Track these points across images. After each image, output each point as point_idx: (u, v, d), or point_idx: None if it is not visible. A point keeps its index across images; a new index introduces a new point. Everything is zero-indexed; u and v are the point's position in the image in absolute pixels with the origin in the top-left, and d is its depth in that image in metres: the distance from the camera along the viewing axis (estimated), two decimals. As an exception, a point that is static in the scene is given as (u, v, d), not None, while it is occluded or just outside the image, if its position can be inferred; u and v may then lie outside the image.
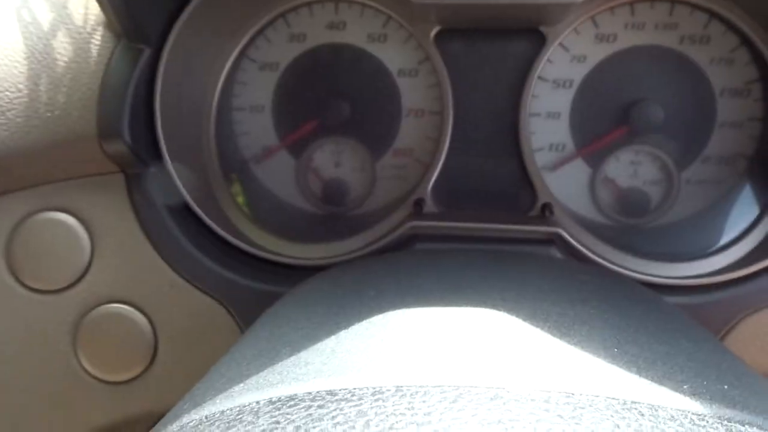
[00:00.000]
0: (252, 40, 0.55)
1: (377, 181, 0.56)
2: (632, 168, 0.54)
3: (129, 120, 0.44)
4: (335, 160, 0.57)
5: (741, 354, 0.44)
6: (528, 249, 0.44)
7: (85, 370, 0.46)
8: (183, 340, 0.46)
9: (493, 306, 0.25)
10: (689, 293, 0.44)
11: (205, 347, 0.45)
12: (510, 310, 0.25)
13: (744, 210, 0.51)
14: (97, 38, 0.45)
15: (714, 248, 0.47)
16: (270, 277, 0.47)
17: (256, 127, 0.57)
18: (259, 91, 0.57)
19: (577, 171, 0.54)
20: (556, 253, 0.44)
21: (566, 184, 0.54)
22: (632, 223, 0.54)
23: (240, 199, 0.56)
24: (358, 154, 0.56)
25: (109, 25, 0.45)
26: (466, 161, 0.52)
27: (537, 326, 0.24)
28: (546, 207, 0.48)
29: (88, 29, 0.45)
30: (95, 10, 0.45)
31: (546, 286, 0.32)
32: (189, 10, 0.45)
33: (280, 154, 0.57)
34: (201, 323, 0.45)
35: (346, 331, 0.24)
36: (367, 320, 0.25)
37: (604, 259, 0.44)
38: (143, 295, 0.46)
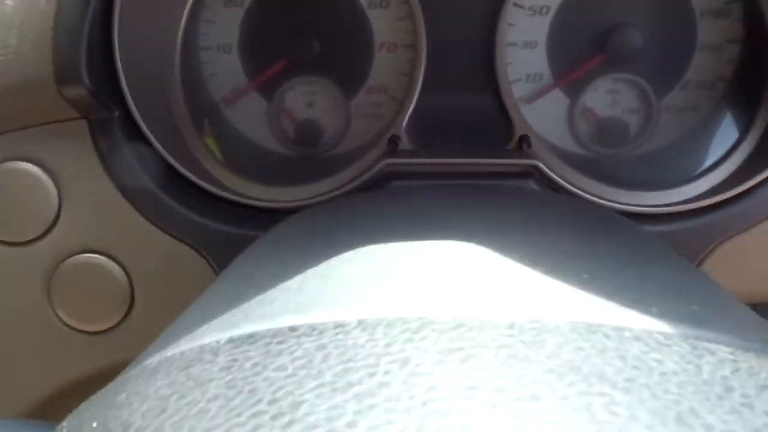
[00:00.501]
0: (215, -27, 0.53)
1: (352, 121, 0.55)
2: (611, 97, 0.53)
3: (87, 62, 0.42)
4: (308, 100, 0.55)
5: (717, 280, 0.44)
6: (505, 183, 0.43)
7: (62, 321, 0.46)
8: (159, 288, 0.45)
9: (463, 238, 0.25)
10: (666, 221, 0.44)
11: (181, 294, 0.44)
12: (479, 241, 0.25)
13: (723, 136, 0.50)
14: (46, -26, 0.42)
15: (691, 175, 0.47)
16: (244, 221, 0.46)
17: (224, 68, 0.55)
18: (225, 28, 0.54)
19: (555, 102, 0.53)
20: (534, 185, 0.44)
21: (544, 116, 0.53)
22: (612, 153, 0.53)
23: (212, 144, 0.55)
24: (331, 93, 0.55)
25: (58, -40, 0.42)
26: (442, 96, 0.50)
27: (506, 256, 0.23)
28: (523, 139, 0.48)
29: (37, -35, 0.42)
30: (42, -55, 0.42)
31: (519, 218, 0.32)
32: (141, -60, 0.42)
33: (250, 95, 0.55)
34: (176, 270, 0.45)
35: (313, 269, 0.24)
36: (335, 258, 0.24)
37: (582, 190, 0.44)
38: (116, 244, 0.45)
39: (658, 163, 0.52)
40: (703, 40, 0.51)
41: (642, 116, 0.53)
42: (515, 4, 0.51)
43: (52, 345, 0.46)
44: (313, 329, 0.17)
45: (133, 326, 0.46)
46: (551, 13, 0.51)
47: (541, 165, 0.43)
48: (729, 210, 0.43)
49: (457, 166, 0.44)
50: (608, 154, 0.53)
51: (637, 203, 0.44)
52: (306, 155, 0.55)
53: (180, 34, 0.52)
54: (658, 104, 0.52)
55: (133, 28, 0.45)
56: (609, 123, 0.53)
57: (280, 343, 0.16)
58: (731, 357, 0.16)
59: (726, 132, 0.50)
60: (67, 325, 0.46)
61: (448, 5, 0.50)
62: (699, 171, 0.47)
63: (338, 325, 0.17)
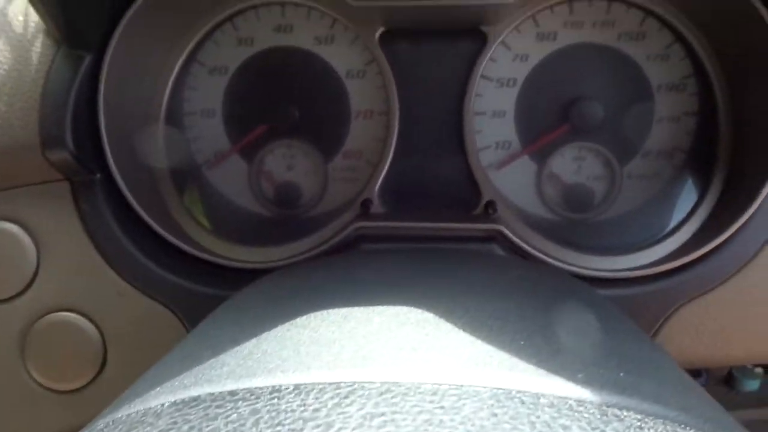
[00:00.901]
0: (201, 43, 0.56)
1: (329, 183, 0.57)
2: (576, 164, 0.55)
3: (72, 128, 0.44)
4: (287, 163, 0.57)
5: (678, 343, 0.45)
6: (470, 247, 0.45)
7: (35, 380, 0.46)
8: (132, 347, 0.46)
9: (414, 304, 0.26)
10: (625, 285, 0.45)
11: (154, 353, 0.45)
12: (429, 306, 0.26)
13: (683, 202, 0.52)
14: (37, 45, 0.45)
15: (651, 241, 0.48)
16: (219, 282, 0.47)
17: (208, 132, 0.57)
18: (209, 95, 0.57)
19: (524, 168, 0.55)
20: (497, 249, 0.45)
21: (513, 182, 0.55)
22: (578, 218, 0.55)
23: (194, 205, 0.56)
24: (310, 157, 0.57)
25: (48, 32, 0.45)
26: (413, 161, 0.53)
27: (451, 322, 0.24)
28: (489, 205, 0.49)
29: (29, 36, 0.45)
30: (35, 17, 0.45)
31: (475, 283, 0.33)
32: (128, 16, 0.45)
33: (232, 158, 0.58)
34: (150, 329, 0.46)
35: (266, 333, 0.25)
36: (288, 323, 0.25)
37: (544, 253, 0.45)
38: (91, 303, 0.46)
39: (622, 227, 0.54)
40: (661, 112, 0.54)
41: (606, 183, 0.55)
42: (483, 76, 0.54)
43: (24, 404, 0.46)
44: (251, 394, 0.18)
45: (104, 385, 0.46)
46: (518, 85, 0.54)
47: (504, 229, 0.45)
48: (687, 274, 0.45)
49: (424, 230, 0.46)
50: (575, 219, 0.55)
51: (597, 267, 0.46)
52: (284, 216, 0.57)
53: (165, 101, 0.54)
54: (621, 171, 0.54)
55: (118, 96, 0.48)
56: (575, 189, 0.55)
57: (218, 407, 0.17)
58: (638, 423, 0.17)
59: (686, 199, 0.53)
60: (40, 384, 0.46)
61: (421, 76, 0.53)
62: (658, 237, 0.49)
63: (274, 390, 0.18)
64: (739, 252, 0.45)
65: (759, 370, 0.79)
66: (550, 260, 0.45)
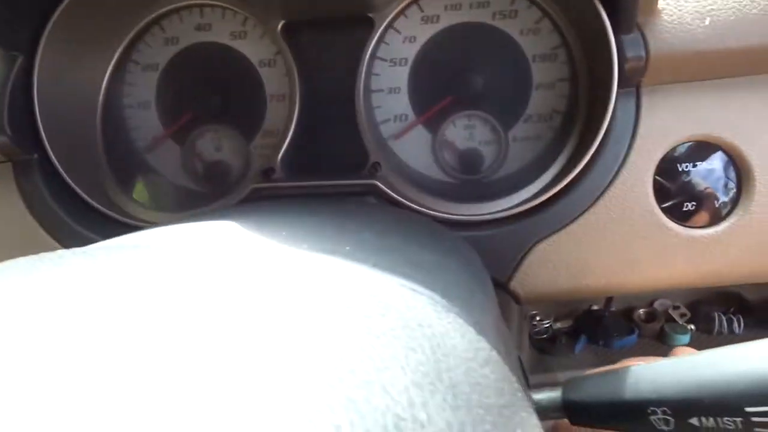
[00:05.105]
0: (133, 44, 0.64)
1: (252, 160, 0.64)
2: (468, 131, 0.62)
3: (8, 119, 0.52)
4: (215, 145, 0.65)
5: (538, 277, 0.51)
6: (350, 200, 0.52)
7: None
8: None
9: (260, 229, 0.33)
10: (485, 228, 0.51)
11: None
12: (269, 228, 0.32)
13: (560, 160, 0.58)
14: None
15: (511, 188, 0.55)
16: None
17: (145, 121, 0.65)
18: (144, 89, 0.65)
19: (420, 138, 0.62)
20: (373, 201, 0.52)
21: (412, 150, 0.62)
22: (472, 180, 0.62)
23: (138, 187, 0.64)
24: (234, 138, 0.64)
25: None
26: (314, 135, 0.60)
27: (274, 238, 0.31)
28: (375, 166, 0.56)
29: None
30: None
31: (330, 217, 0.39)
32: (54, 19, 0.53)
33: (167, 143, 0.65)
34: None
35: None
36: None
37: (414, 203, 0.52)
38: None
39: (511, 185, 0.60)
40: (538, 79, 0.60)
41: (495, 147, 0.61)
42: (378, 57, 0.61)
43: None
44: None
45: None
46: (409, 64, 0.61)
47: (378, 184, 0.52)
48: (541, 215, 0.51)
49: (311, 188, 0.53)
50: (469, 180, 0.62)
51: (460, 213, 0.52)
52: (213, 191, 0.64)
53: (102, 93, 0.62)
54: (506, 136, 0.61)
55: (53, 91, 0.56)
56: (467, 153, 0.61)
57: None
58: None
59: (562, 157, 0.59)
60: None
61: (320, 61, 0.60)
62: (517, 185, 0.55)
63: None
64: (587, 192, 0.51)
65: (691, 326, 0.83)
66: (417, 207, 0.51)
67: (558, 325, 0.86)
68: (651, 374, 0.30)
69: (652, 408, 0.30)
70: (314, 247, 0.28)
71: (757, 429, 0.27)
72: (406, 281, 0.26)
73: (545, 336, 0.84)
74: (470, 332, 0.24)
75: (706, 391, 0.28)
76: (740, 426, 0.27)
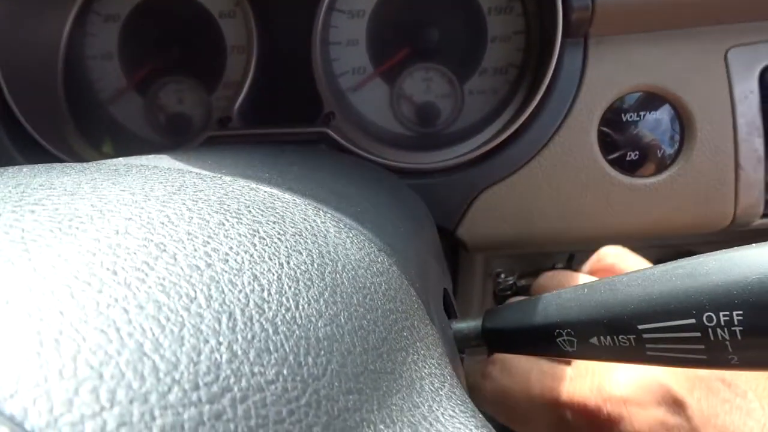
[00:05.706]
0: (93, -5, 0.64)
1: (213, 111, 0.65)
2: (425, 84, 0.63)
3: None
4: (178, 96, 0.66)
5: (485, 223, 0.53)
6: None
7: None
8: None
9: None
10: (432, 176, 0.53)
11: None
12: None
13: (509, 111, 0.60)
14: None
15: (460, 138, 0.56)
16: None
17: (108, 73, 0.66)
18: (106, 40, 0.65)
19: (378, 90, 0.63)
20: (325, 148, 0.53)
21: (370, 102, 0.63)
22: (429, 132, 0.63)
23: (108, 144, 0.65)
24: (195, 90, 0.65)
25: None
26: (272, 86, 0.61)
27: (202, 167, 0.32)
28: (329, 115, 0.57)
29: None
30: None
31: (257, 158, 0.41)
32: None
33: (129, 94, 0.66)
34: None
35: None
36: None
37: (364, 150, 0.53)
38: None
39: (466, 137, 0.61)
40: (493, 32, 0.61)
41: (451, 100, 0.62)
42: (337, 9, 0.61)
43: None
44: None
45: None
46: (367, 16, 0.62)
47: (329, 132, 0.53)
48: (487, 163, 0.53)
49: (264, 136, 0.54)
50: (427, 133, 0.63)
51: (408, 161, 0.53)
52: (174, 141, 0.65)
53: (63, 44, 0.63)
54: (462, 89, 0.62)
55: (12, 36, 0.56)
56: (424, 106, 0.62)
57: None
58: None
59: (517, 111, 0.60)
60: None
61: (277, 14, 0.61)
62: (467, 135, 0.56)
63: None
64: (533, 142, 0.52)
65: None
66: (367, 155, 0.53)
67: (522, 282, 0.88)
68: (558, 300, 0.32)
69: (558, 330, 0.32)
70: (234, 172, 0.29)
71: (648, 345, 0.29)
72: (317, 204, 0.28)
73: (509, 292, 0.87)
74: (370, 247, 0.26)
75: (604, 313, 0.30)
76: (634, 343, 0.29)
